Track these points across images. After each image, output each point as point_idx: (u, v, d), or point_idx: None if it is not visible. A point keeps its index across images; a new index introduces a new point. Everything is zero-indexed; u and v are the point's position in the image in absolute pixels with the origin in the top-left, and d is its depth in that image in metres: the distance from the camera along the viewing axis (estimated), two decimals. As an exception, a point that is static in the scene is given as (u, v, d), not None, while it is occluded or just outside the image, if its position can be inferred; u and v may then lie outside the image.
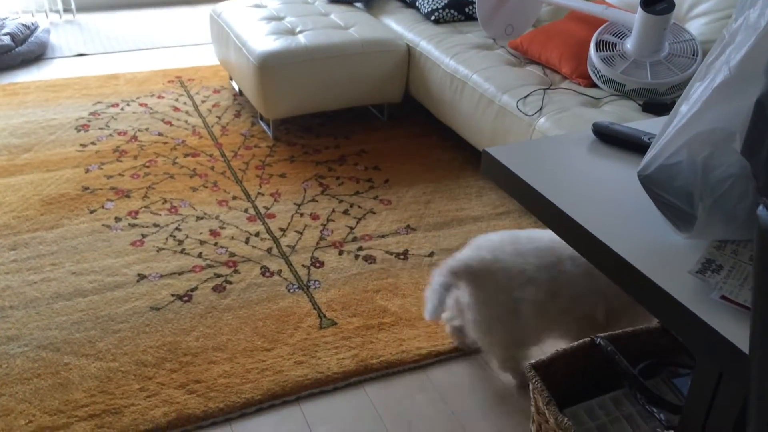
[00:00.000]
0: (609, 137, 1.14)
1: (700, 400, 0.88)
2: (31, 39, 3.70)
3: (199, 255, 2.16)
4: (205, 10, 4.66)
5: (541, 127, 2.20)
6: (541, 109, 2.24)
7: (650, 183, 0.90)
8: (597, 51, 2.35)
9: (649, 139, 1.10)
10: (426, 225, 2.35)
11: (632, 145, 1.11)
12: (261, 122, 3.04)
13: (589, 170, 1.06)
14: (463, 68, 2.61)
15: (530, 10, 2.92)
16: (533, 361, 1.52)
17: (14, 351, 1.75)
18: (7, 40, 3.58)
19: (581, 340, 1.59)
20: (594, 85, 2.38)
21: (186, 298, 1.96)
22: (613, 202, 0.97)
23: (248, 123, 3.04)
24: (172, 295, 1.97)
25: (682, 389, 1.55)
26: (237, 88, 3.36)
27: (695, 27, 2.37)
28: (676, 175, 0.88)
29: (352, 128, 3.03)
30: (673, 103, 1.93)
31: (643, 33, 2.25)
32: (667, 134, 0.89)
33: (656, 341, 1.63)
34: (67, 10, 4.43)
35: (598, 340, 1.57)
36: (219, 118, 3.08)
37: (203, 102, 3.23)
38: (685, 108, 0.88)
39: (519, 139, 2.29)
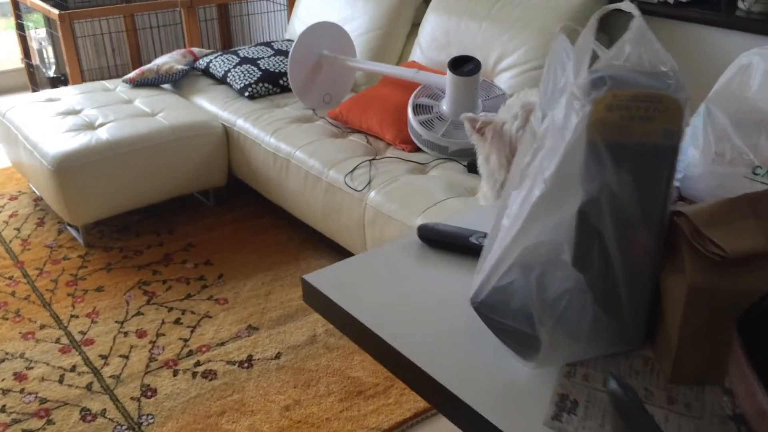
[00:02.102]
0: (436, 242, 1.04)
1: None
2: None
3: (2, 409, 1.81)
4: None
5: (372, 202, 2.11)
6: (369, 182, 2.16)
7: (485, 310, 0.80)
8: (415, 115, 2.33)
9: (477, 239, 1.02)
10: (269, 321, 2.17)
11: (461, 248, 1.02)
12: (69, 228, 2.71)
13: (418, 286, 0.95)
14: (285, 145, 2.48)
15: (346, 77, 2.87)
16: None
17: None
18: None
19: None
20: (418, 149, 2.34)
21: (-14, 472, 1.62)
22: (444, 327, 0.87)
23: (54, 231, 2.70)
24: (-32, 471, 1.62)
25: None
26: (38, 192, 2.99)
27: (503, 81, 2.43)
28: (511, 297, 0.79)
29: (176, 219, 2.79)
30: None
31: (456, 94, 2.26)
32: (494, 252, 0.80)
33: None
34: None
35: None
36: (18, 230, 2.71)
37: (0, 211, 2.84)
38: (506, 222, 0.80)
39: (352, 215, 2.19)
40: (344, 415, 1.78)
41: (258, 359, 2.00)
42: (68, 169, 2.42)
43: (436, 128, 2.29)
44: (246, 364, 1.97)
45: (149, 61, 4.58)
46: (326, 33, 2.78)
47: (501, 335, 0.80)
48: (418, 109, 2.35)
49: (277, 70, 2.96)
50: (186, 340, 2.08)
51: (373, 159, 2.28)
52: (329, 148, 2.41)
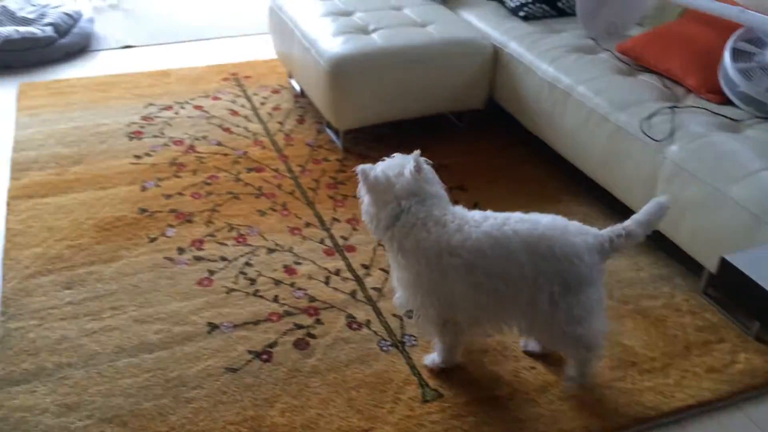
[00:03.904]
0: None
1: None
2: (75, 29, 3.44)
3: (275, 299, 1.90)
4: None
5: (673, 156, 1.88)
6: (672, 133, 1.92)
7: None
8: (734, 61, 2.01)
9: None
10: (528, 262, 2.06)
11: None
12: (328, 130, 2.75)
13: None
14: (566, 77, 2.29)
15: (635, 7, 2.57)
16: None
17: (75, 425, 1.52)
18: (49, 30, 3.32)
19: None
20: (728, 102, 2.04)
21: (265, 357, 1.71)
22: None
23: (313, 131, 2.76)
24: (249, 353, 1.72)
25: None
26: (298, 88, 3.07)
27: None
28: None
29: (428, 138, 2.73)
30: None
31: (796, 44, 1.91)
32: None
33: None
34: (110, -7, 4.15)
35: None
36: (281, 124, 2.80)
37: (262, 104, 2.95)
38: None
39: (641, 167, 1.98)
40: (618, 386, 1.65)
41: (519, 301, 1.91)
42: (343, 71, 2.42)
43: (756, 80, 1.97)
44: (507, 304, 1.90)
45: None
46: (626, -45, 2.47)
47: None
48: (737, 55, 2.03)
49: (556, -9, 2.72)
50: (444, 266, 2.04)
51: (675, 107, 2.02)
52: (618, 87, 2.18)
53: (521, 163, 2.59)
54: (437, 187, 1.57)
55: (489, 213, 1.56)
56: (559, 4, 2.70)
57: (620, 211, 2.21)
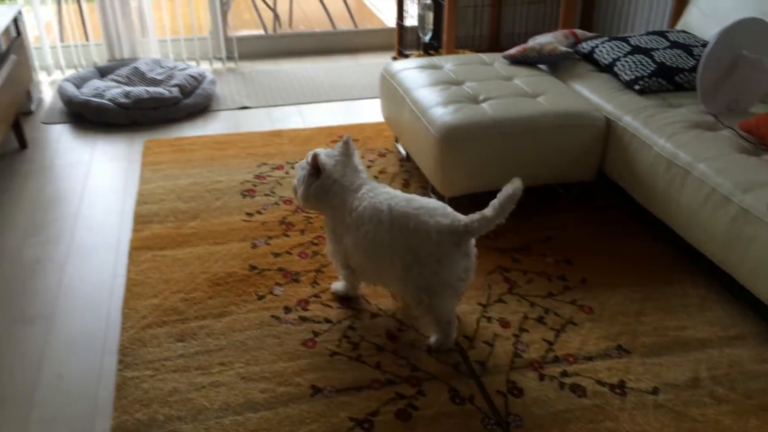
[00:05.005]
0: None
1: None
2: (198, 91, 3.67)
3: (377, 365, 1.89)
4: (366, 61, 4.53)
5: (806, 245, 1.76)
6: (805, 220, 1.81)
7: None
8: None
9: None
10: (641, 347, 1.96)
11: None
12: (432, 195, 2.77)
13: None
14: (684, 154, 2.21)
15: (759, 83, 2.47)
16: None
17: (182, 480, 1.55)
18: (176, 91, 3.57)
19: None
20: None
21: (366, 425, 1.69)
22: None
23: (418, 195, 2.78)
24: (351, 419, 1.71)
25: None
26: (404, 152, 3.12)
27: None
28: None
29: (533, 207, 2.69)
30: None
31: None
32: None
33: None
34: (230, 57, 4.43)
35: None
36: (387, 187, 2.85)
37: (369, 167, 3.02)
38: None
39: (767, 252, 1.86)
40: (745, 491, 1.53)
41: (631, 388, 1.81)
42: (454, 140, 2.44)
43: None
44: (618, 390, 1.80)
45: (507, 35, 4.56)
46: (750, 30, 2.40)
47: None
48: None
49: (673, 65, 2.66)
50: (551, 344, 1.97)
51: (808, 191, 1.91)
52: (743, 167, 2.08)
53: (630, 236, 2.50)
54: (359, 166, 2.00)
55: (392, 191, 1.92)
56: (677, 79, 2.64)
57: (741, 295, 2.08)
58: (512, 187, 1.74)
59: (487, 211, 1.75)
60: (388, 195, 1.88)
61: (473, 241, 1.85)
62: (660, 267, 2.34)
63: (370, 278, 2.03)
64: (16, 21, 3.27)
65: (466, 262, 1.82)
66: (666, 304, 2.14)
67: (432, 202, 1.86)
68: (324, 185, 1.93)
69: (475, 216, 1.77)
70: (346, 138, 1.98)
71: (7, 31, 3.08)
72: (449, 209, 1.84)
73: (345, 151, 1.97)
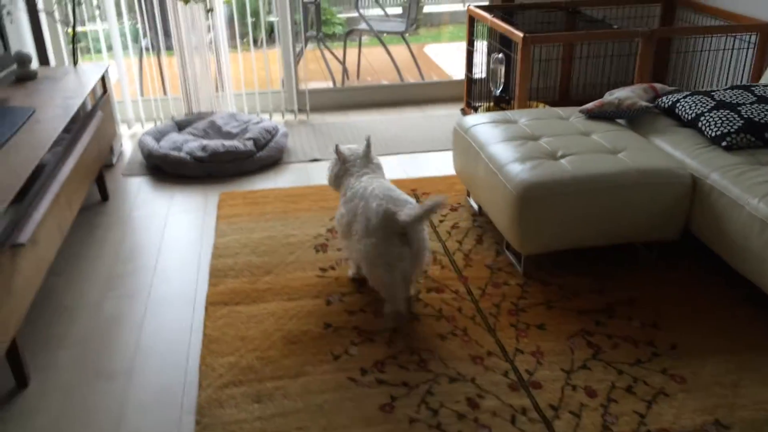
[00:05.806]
0: None
1: None
2: (272, 144, 3.74)
3: (458, 435, 1.82)
4: (434, 113, 4.55)
5: None
6: None
7: None
8: None
9: None
10: (741, 422, 1.83)
11: None
12: (507, 252, 2.71)
13: None
14: (781, 215, 2.10)
15: None
16: None
17: None
18: (250, 144, 3.64)
19: None
20: None
21: (449, 501, 1.62)
22: None
23: (492, 252, 2.73)
24: (433, 494, 1.64)
25: None
26: (476, 207, 3.08)
27: None
28: None
29: (615, 267, 2.59)
30: None
31: None
32: None
33: None
34: (301, 110, 4.52)
35: None
36: (460, 243, 2.81)
37: (441, 222, 2.99)
38: None
39: None
40: None
41: (735, 470, 1.69)
42: (531, 197, 2.39)
43: None
44: (720, 472, 1.68)
45: (575, 88, 4.51)
46: None
47: None
48: None
49: (762, 120, 2.56)
50: (642, 417, 1.86)
51: None
52: None
53: (719, 299, 2.37)
54: (374, 161, 2.46)
55: (384, 182, 2.33)
56: (767, 135, 2.53)
57: None
58: (441, 197, 2.07)
59: (410, 211, 2.10)
60: (377, 183, 2.28)
61: (422, 236, 2.19)
62: (755, 333, 2.20)
63: (353, 253, 2.33)
64: (103, 78, 3.42)
65: (401, 249, 2.12)
66: (764, 374, 2.00)
67: (402, 195, 2.22)
68: (341, 170, 2.44)
69: (408, 212, 2.11)
70: (367, 137, 2.44)
71: (94, 89, 3.22)
72: (411, 204, 2.17)
73: (365, 148, 2.46)
